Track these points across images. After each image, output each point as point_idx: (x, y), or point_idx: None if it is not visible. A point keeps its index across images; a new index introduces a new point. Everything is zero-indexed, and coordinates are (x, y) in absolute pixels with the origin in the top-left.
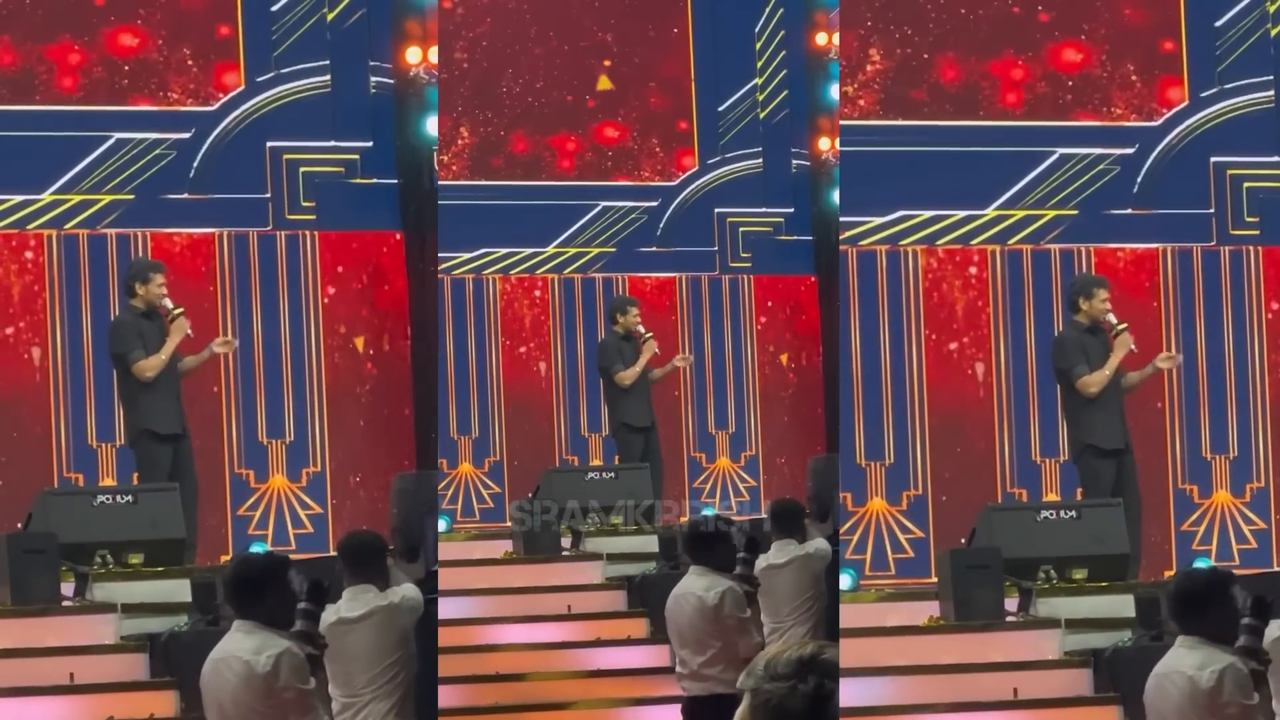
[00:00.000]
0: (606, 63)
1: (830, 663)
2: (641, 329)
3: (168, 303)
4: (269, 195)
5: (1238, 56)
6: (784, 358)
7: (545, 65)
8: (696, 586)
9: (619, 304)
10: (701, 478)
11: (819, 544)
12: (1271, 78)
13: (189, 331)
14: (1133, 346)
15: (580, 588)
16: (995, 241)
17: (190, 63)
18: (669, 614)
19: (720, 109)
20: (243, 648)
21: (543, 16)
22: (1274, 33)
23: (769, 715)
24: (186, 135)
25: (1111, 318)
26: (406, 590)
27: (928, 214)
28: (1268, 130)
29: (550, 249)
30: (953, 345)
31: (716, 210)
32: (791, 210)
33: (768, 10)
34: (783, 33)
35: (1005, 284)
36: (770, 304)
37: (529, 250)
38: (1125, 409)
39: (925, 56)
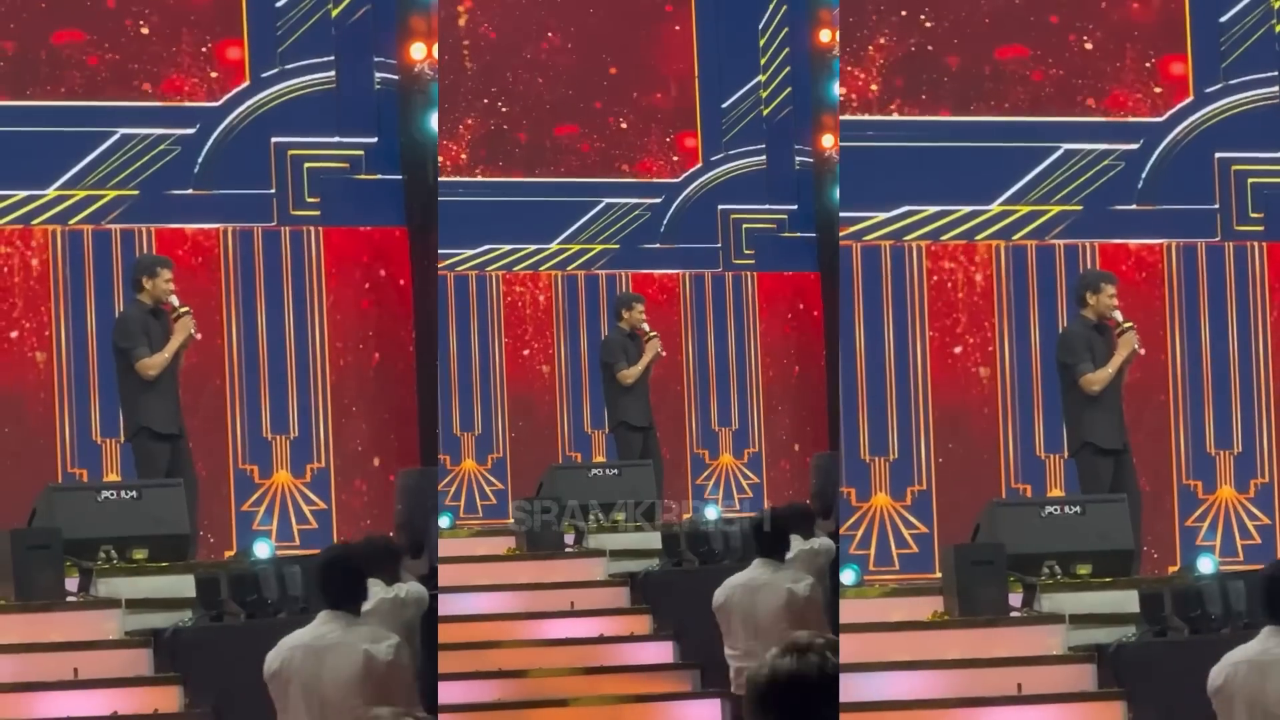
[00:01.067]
0: (611, 69)
1: (831, 643)
2: (646, 327)
3: (174, 300)
4: (273, 191)
5: (1243, 52)
6: (778, 351)
7: (549, 62)
8: (781, 579)
9: (624, 300)
10: (704, 475)
11: (822, 540)
12: (1276, 73)
13: (193, 332)
14: (1137, 347)
15: (583, 584)
16: (999, 237)
17: (195, 58)
18: (735, 606)
19: (724, 105)
20: (354, 637)
21: (547, 13)
22: (1279, 28)
23: (788, 686)
24: (191, 131)
25: (1118, 315)
26: (411, 585)
27: (931, 209)
28: (1273, 126)
29: (554, 245)
30: (956, 343)
31: (720, 207)
32: (795, 207)
33: (771, 7)
34: (786, 29)
35: (1009, 280)
36: (773, 301)
37: (532, 246)
38: (1124, 408)
39: (929, 49)
